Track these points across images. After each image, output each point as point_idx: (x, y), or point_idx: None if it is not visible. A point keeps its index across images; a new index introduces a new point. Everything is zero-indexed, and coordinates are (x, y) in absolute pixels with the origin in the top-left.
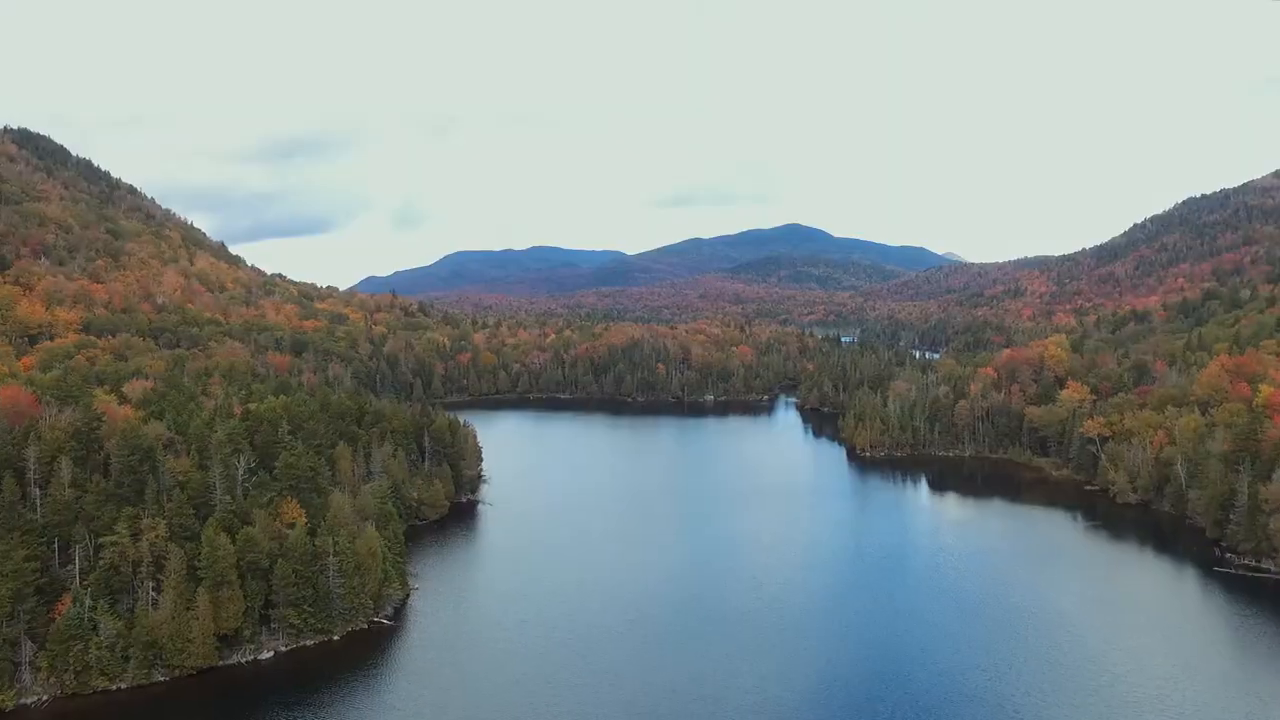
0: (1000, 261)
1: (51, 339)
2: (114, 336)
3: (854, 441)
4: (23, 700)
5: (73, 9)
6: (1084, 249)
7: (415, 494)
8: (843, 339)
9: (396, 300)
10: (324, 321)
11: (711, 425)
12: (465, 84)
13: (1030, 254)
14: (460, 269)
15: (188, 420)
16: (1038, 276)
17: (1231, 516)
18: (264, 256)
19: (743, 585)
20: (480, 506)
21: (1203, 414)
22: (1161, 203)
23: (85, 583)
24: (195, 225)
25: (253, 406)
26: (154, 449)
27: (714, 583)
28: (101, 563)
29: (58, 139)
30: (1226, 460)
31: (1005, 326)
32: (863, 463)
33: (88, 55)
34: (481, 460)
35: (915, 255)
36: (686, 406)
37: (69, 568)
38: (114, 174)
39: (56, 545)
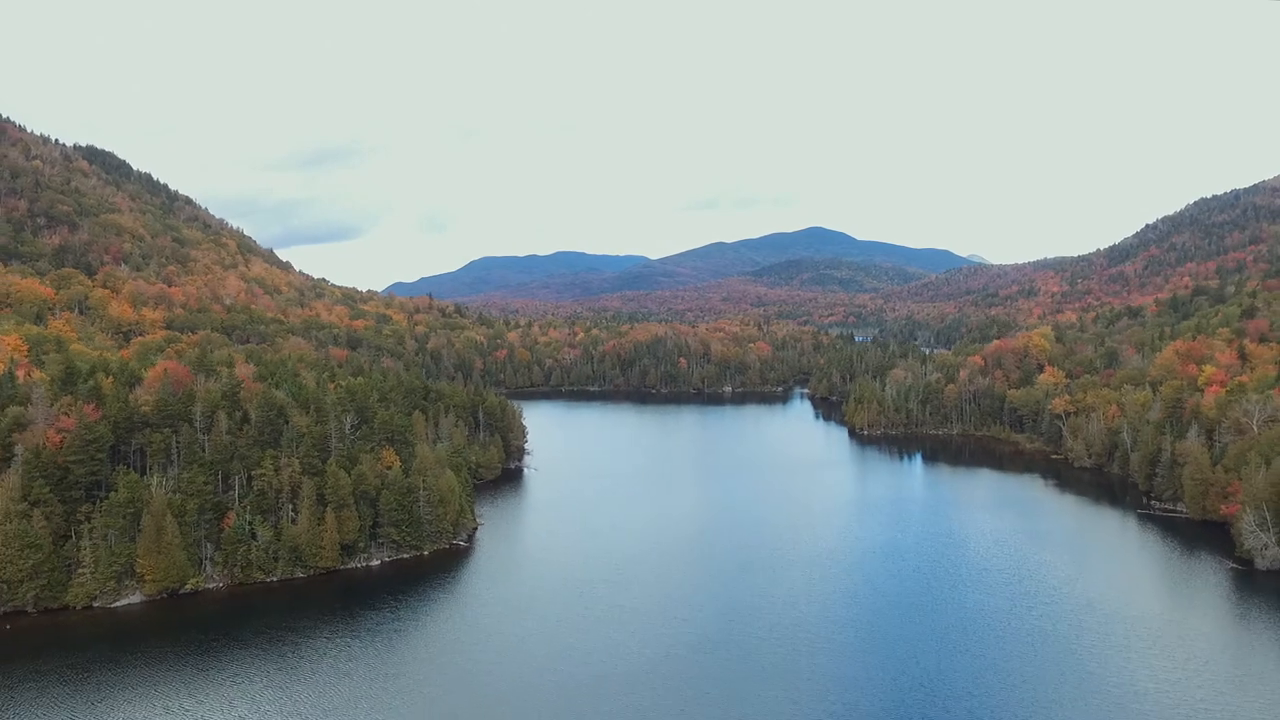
0: (1020, 263)
1: (142, 335)
2: (194, 333)
3: (854, 422)
4: (207, 585)
5: (98, 23)
6: (1099, 249)
7: (474, 458)
8: (857, 338)
9: (434, 303)
10: (371, 321)
11: (728, 412)
12: (490, 91)
13: (1051, 255)
14: (485, 274)
15: (300, 389)
16: (1052, 277)
17: (1157, 471)
18: (294, 262)
19: (746, 526)
20: (527, 471)
21: (1154, 391)
22: (1176, 203)
23: (243, 503)
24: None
25: (343, 382)
26: (285, 407)
27: (723, 526)
28: (254, 489)
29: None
30: (1158, 426)
31: (1015, 325)
32: (861, 440)
33: (119, 68)
34: (526, 434)
35: (938, 258)
36: (706, 397)
37: (230, 493)
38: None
39: (220, 476)
